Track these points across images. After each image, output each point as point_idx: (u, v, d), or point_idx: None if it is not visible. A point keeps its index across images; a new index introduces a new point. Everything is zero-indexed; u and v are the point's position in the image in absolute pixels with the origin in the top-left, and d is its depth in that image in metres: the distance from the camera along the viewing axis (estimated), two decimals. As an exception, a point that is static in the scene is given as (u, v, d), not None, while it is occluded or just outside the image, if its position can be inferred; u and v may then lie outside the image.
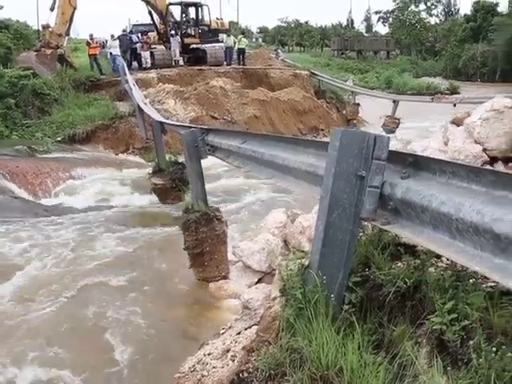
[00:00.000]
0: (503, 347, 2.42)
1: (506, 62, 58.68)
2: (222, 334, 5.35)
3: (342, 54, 74.35)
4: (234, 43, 31.22)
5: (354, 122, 27.96)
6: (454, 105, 20.88)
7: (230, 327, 5.47)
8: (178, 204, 11.82)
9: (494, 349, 2.41)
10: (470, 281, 2.84)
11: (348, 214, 3.20)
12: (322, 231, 3.23)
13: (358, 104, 29.38)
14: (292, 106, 25.66)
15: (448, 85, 52.28)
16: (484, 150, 5.07)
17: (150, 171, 13.26)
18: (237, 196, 14.98)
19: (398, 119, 24.58)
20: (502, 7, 68.95)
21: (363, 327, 3.06)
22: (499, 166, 5.36)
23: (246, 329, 4.93)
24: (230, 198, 14.62)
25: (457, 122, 5.51)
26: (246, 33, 45.89)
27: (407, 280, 3.03)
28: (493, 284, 2.82)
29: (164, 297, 8.62)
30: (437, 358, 2.61)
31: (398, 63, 70.10)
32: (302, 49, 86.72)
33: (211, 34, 31.51)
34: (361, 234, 3.61)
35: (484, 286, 2.88)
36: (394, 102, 24.90)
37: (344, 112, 29.45)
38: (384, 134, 3.45)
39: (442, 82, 57.19)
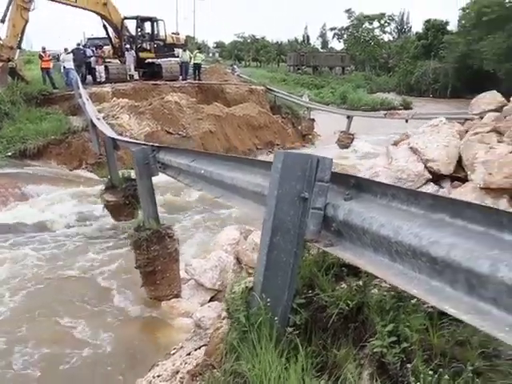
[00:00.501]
0: (441, 370, 2.43)
1: (457, 79, 60.33)
2: (173, 354, 5.29)
3: (298, 69, 75.19)
4: (190, 58, 31.19)
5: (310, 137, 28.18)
6: (406, 120, 21.27)
7: (180, 347, 5.41)
8: (132, 221, 11.67)
9: (432, 372, 2.42)
10: (412, 302, 2.85)
11: (292, 236, 3.19)
12: (265, 253, 3.21)
13: (313, 119, 29.68)
14: (247, 122, 25.75)
15: (401, 100, 53.45)
16: (426, 167, 5.15)
17: (103, 188, 13.06)
18: (190, 211, 14.91)
19: (353, 134, 24.91)
20: (452, 26, 71.04)
21: (307, 349, 3.04)
22: (446, 183, 5.45)
23: (195, 349, 4.88)
24: (184, 214, 14.55)
25: (397, 144, 5.60)
26: (202, 48, 45.86)
27: (349, 302, 3.04)
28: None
29: (114, 316, 8.48)
30: (377, 381, 2.61)
31: (352, 79, 71.28)
32: (259, 64, 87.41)
33: (167, 48, 31.43)
34: (306, 254, 3.61)
35: (425, 306, 2.89)
36: (348, 117, 25.23)
37: (299, 127, 29.68)
38: (328, 156, 3.48)
39: (396, 97, 58.43)
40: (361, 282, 3.16)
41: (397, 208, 2.75)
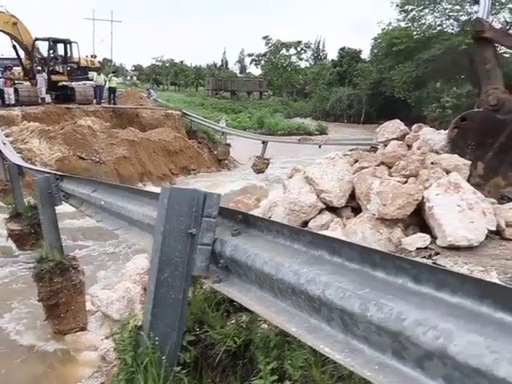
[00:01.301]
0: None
1: (370, 105, 62.41)
2: (74, 392, 5.10)
3: (217, 93, 75.62)
4: (105, 81, 30.80)
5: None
6: (320, 146, 21.67)
7: (83, 384, 5.24)
8: (37, 251, 11.25)
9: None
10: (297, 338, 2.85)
11: (180, 272, 3.14)
12: (153, 291, 3.14)
13: (229, 144, 29.79)
14: (163, 147, 25.55)
15: (317, 125, 54.57)
16: (320, 198, 5.24)
17: (7, 216, 12.56)
18: (100, 239, 14.50)
19: (268, 159, 25.11)
20: (365, 54, 73.50)
21: (196, 388, 2.99)
22: (343, 212, 5.53)
23: (96, 387, 4.73)
24: (93, 241, 14.18)
25: (291, 176, 5.68)
26: (118, 71, 45.30)
27: (237, 339, 3.01)
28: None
29: (16, 352, 8.10)
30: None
31: (270, 104, 72.25)
32: (177, 88, 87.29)
33: (80, 71, 30.96)
34: (198, 290, 3.56)
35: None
36: (264, 142, 25.45)
37: (215, 152, 29.71)
38: (215, 192, 3.46)
39: (312, 122, 59.66)
40: (247, 319, 3.14)
41: (281, 244, 2.77)
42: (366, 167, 5.61)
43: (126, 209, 4.80)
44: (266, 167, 24.99)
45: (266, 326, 3.11)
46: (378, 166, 5.84)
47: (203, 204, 3.10)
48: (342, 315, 2.17)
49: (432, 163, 5.58)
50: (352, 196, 5.42)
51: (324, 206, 5.24)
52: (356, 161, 6.08)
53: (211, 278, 3.17)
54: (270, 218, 5.58)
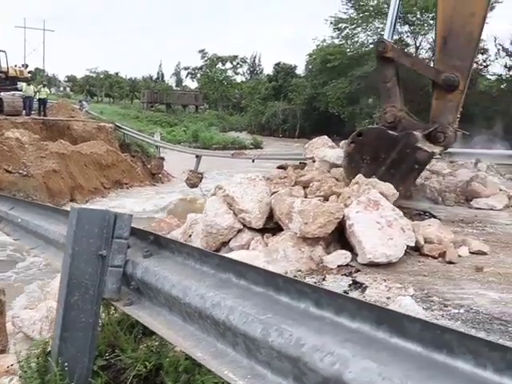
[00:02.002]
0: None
1: (305, 120, 63.29)
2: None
3: (152, 106, 75.08)
4: (35, 93, 30.02)
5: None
6: (253, 160, 21.74)
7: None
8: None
9: None
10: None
11: (91, 295, 3.04)
12: (61, 314, 3.04)
13: (163, 158, 29.50)
14: (95, 160, 25.04)
15: (252, 139, 54.82)
16: (239, 218, 5.24)
17: None
18: (22, 256, 14.01)
19: (202, 173, 24.96)
20: (300, 70, 74.52)
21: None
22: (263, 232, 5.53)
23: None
24: (13, 259, 13.71)
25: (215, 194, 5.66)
26: (51, 81, 44.16)
27: (147, 363, 2.93)
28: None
29: None
30: None
31: (206, 117, 72.27)
32: (112, 100, 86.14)
33: (9, 81, 30.06)
34: (113, 312, 3.47)
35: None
36: (197, 156, 25.33)
37: (149, 166, 29.39)
38: (127, 213, 3.43)
39: (247, 136, 59.90)
40: (157, 343, 3.08)
41: (191, 266, 2.74)
42: (277, 184, 5.70)
43: (42, 227, 4.66)
44: (200, 181, 24.82)
45: (178, 349, 3.05)
46: (293, 186, 5.93)
47: (114, 225, 3.02)
48: (246, 340, 2.16)
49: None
50: (270, 217, 5.44)
51: (241, 227, 5.23)
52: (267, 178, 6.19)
53: (123, 301, 3.10)
54: (190, 235, 5.54)
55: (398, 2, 7.48)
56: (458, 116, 6.79)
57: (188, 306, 2.50)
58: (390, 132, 6.62)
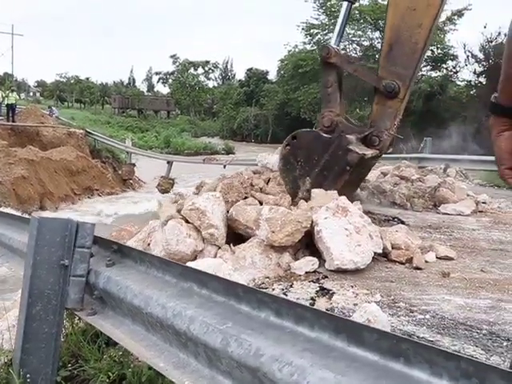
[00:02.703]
0: None
1: (277, 125, 63.39)
2: None
3: (123, 112, 74.67)
4: (3, 98, 29.67)
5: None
6: (224, 166, 21.72)
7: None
8: None
9: None
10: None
11: (54, 305, 3.00)
12: (23, 325, 2.99)
13: (134, 164, 29.36)
14: (64, 166, 24.82)
15: (224, 145, 54.84)
16: (204, 235, 5.24)
17: None
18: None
19: (173, 179, 24.90)
20: (272, 75, 74.67)
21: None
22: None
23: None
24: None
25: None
26: (16, 87, 43.34)
27: (110, 374, 2.90)
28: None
29: None
30: None
31: (177, 123, 72.10)
32: (83, 105, 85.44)
33: (-24, 87, 29.70)
34: (77, 321, 3.43)
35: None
36: (169, 162, 25.25)
37: (120, 172, 29.21)
38: (89, 222, 3.42)
39: (219, 141, 59.89)
40: (120, 353, 3.04)
41: (153, 275, 2.72)
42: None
43: (6, 236, 4.59)
44: (172, 187, 24.73)
45: (138, 362, 3.02)
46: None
47: (76, 234, 2.99)
48: (207, 350, 2.15)
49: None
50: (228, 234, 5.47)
51: (205, 245, 5.22)
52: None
53: (86, 311, 3.06)
54: (149, 244, 5.50)
55: (347, 12, 7.65)
56: (396, 123, 6.94)
57: (150, 315, 2.48)
58: (323, 135, 6.76)
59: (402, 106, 6.88)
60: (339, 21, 7.72)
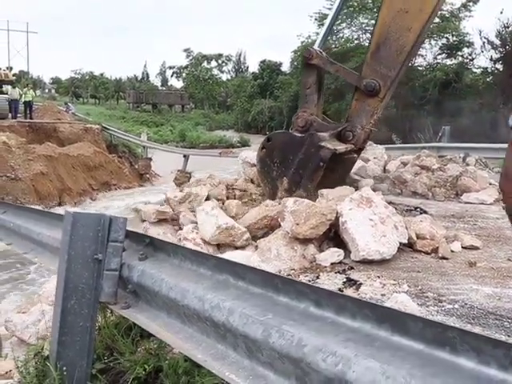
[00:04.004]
0: None
1: (291, 117, 62.74)
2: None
3: (138, 106, 74.78)
4: (20, 95, 29.85)
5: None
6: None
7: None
8: None
9: None
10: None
11: (88, 299, 3.03)
12: (59, 319, 3.02)
13: (150, 158, 29.45)
14: (82, 162, 24.96)
15: (239, 137, 54.71)
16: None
17: None
18: (16, 261, 13.96)
19: (190, 173, 24.93)
20: (285, 67, 74.26)
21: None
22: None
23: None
24: (8, 264, 13.63)
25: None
26: (32, 85, 43.46)
27: (146, 366, 2.93)
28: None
29: None
30: None
31: (192, 116, 72.04)
32: (98, 101, 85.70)
33: (-6, 85, 29.91)
34: (109, 315, 3.46)
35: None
36: (185, 156, 25.33)
37: (137, 166, 29.32)
38: (121, 216, 3.47)
39: (234, 134, 59.67)
40: (156, 345, 3.07)
41: (187, 268, 2.74)
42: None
43: (34, 232, 4.65)
44: (188, 181, 24.75)
45: (177, 351, 3.05)
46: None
47: (109, 228, 3.01)
48: (247, 341, 2.16)
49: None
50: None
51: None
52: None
53: (120, 304, 3.09)
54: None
55: (334, 16, 7.88)
56: (372, 122, 7.11)
57: (187, 308, 2.50)
58: (295, 134, 7.01)
59: (382, 106, 7.08)
60: (325, 25, 8.02)
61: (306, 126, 6.99)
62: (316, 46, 7.52)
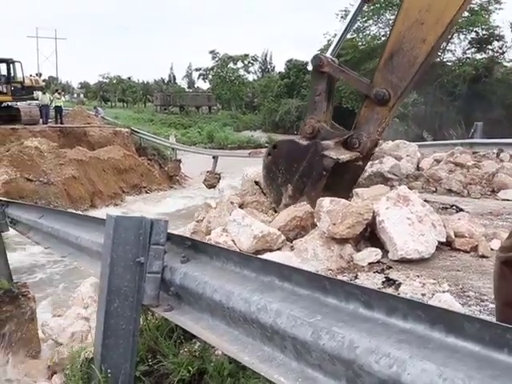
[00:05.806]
0: None
1: (318, 116, 62.75)
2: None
3: (165, 109, 75.20)
4: (51, 101, 30.28)
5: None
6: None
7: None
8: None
9: None
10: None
11: (131, 302, 3.05)
12: (102, 322, 3.05)
13: (180, 160, 29.62)
14: (112, 165, 25.23)
15: (267, 138, 54.70)
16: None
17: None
18: (51, 264, 14.17)
19: (219, 174, 25.06)
20: (312, 66, 73.88)
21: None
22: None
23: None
24: (44, 267, 13.83)
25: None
26: (61, 90, 43.96)
27: (190, 368, 2.93)
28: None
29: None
30: None
31: (219, 118, 72.19)
32: (126, 104, 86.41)
33: (25, 91, 30.30)
34: (150, 318, 3.48)
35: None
36: (214, 157, 25.40)
37: (166, 168, 29.51)
38: (162, 218, 3.46)
39: (262, 135, 59.71)
40: (200, 347, 3.08)
41: (230, 270, 2.73)
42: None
43: (72, 235, 4.69)
44: (218, 182, 24.91)
45: (220, 353, 3.05)
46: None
47: (150, 231, 3.03)
48: (295, 343, 2.15)
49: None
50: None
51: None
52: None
53: (162, 307, 3.10)
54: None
55: (348, 26, 7.86)
56: (379, 130, 7.07)
57: (232, 310, 2.50)
58: (300, 142, 7.00)
59: (390, 115, 7.03)
60: (339, 34, 7.99)
61: (313, 133, 7.00)
62: (328, 54, 7.50)
